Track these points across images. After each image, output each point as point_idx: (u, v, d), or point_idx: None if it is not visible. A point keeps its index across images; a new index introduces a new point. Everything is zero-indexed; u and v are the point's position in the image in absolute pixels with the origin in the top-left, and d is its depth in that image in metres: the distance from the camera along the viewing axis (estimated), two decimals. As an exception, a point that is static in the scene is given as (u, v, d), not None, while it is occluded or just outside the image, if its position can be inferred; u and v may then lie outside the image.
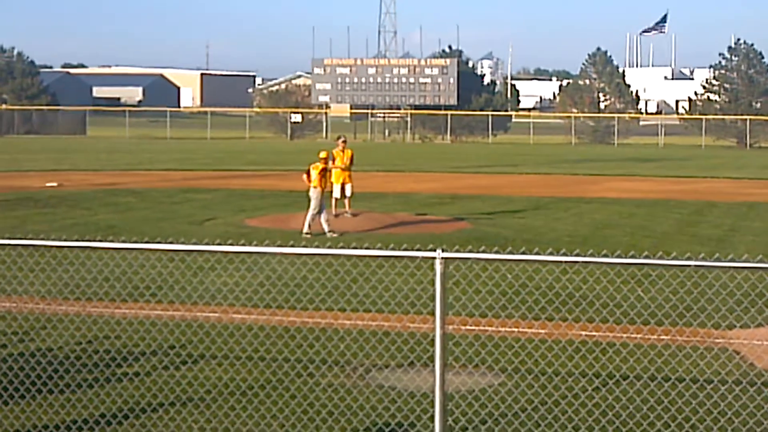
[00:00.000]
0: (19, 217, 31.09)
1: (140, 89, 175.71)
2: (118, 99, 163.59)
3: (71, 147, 79.84)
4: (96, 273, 18.45)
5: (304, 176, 28.45)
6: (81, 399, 12.11)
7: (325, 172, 28.35)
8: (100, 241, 10.76)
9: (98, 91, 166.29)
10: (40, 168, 53.99)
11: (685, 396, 12.01)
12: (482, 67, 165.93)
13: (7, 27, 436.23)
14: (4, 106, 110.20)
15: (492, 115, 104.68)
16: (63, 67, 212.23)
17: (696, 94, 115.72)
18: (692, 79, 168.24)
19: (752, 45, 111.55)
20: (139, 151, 74.57)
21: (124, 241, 10.63)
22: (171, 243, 10.45)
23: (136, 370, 13.41)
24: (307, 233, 27.54)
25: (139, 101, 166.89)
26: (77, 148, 78.89)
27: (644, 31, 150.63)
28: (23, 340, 14.91)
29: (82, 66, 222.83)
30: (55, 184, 42.94)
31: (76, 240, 11.09)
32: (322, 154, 28.93)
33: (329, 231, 27.71)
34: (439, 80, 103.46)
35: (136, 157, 66.29)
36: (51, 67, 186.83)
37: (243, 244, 10.16)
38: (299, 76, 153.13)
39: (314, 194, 27.94)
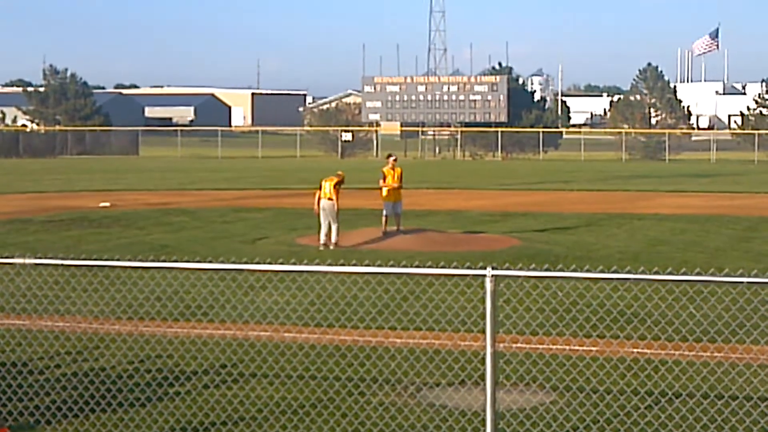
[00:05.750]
0: (73, 237, 31.36)
1: (192, 109, 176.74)
2: (170, 119, 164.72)
3: (124, 167, 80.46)
4: (148, 292, 18.57)
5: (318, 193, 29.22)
6: (134, 418, 12.19)
7: (339, 186, 29.14)
8: (153, 261, 10.84)
9: (150, 111, 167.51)
10: (94, 188, 54.43)
11: (739, 414, 11.92)
12: (532, 84, 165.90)
13: (61, 49, 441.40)
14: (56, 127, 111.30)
15: (542, 131, 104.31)
16: (115, 87, 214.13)
17: (748, 108, 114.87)
18: (744, 93, 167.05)
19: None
20: (191, 171, 74.99)
21: (176, 261, 10.70)
22: (222, 262, 10.51)
23: (188, 389, 13.48)
24: (335, 244, 28.59)
25: (191, 121, 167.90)
26: (130, 167, 79.49)
27: (699, 51, 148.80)
28: (77, 360, 15.03)
29: (135, 86, 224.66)
30: (108, 204, 43.26)
31: (129, 260, 11.19)
32: (339, 172, 30.03)
33: (324, 244, 28.68)
34: (489, 97, 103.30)
35: (188, 177, 66.67)
36: (104, 88, 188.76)
37: (294, 263, 10.20)
38: (349, 95, 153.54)
39: (328, 206, 28.72)
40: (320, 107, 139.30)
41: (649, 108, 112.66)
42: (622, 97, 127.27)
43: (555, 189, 56.47)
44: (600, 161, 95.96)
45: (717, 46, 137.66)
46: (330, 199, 28.75)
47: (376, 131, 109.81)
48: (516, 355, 14.78)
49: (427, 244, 29.19)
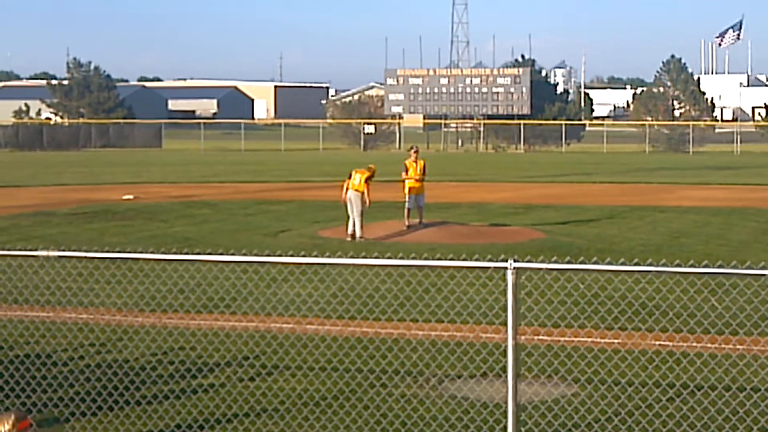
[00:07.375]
0: (96, 229, 31.48)
1: (215, 102, 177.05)
2: (193, 112, 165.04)
3: (147, 160, 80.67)
4: (171, 285, 18.64)
5: (347, 183, 29.33)
6: (157, 410, 12.26)
7: (370, 180, 29.24)
8: (176, 253, 10.89)
9: (173, 104, 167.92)
10: (117, 181, 54.60)
11: (761, 406, 11.91)
12: (555, 76, 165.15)
13: (84, 42, 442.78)
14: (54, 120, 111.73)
15: (565, 124, 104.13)
16: (139, 80, 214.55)
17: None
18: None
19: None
20: (214, 163, 75.16)
21: (199, 253, 10.75)
22: (245, 255, 10.56)
23: (211, 382, 13.54)
24: (360, 237, 28.75)
25: (214, 113, 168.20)
26: (153, 160, 79.69)
27: (719, 35, 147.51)
28: (100, 352, 15.12)
29: (158, 79, 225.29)
30: (131, 196, 43.40)
31: (153, 252, 11.23)
32: (371, 166, 30.18)
33: (351, 235, 28.98)
34: (512, 89, 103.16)
35: (210, 169, 66.81)
36: (127, 81, 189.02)
37: (316, 256, 10.25)
38: (372, 87, 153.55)
39: (354, 197, 28.81)
40: (343, 100, 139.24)
41: (673, 100, 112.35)
42: (645, 89, 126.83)
43: (577, 181, 56.36)
44: (623, 153, 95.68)
45: (739, 37, 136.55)
46: (357, 190, 28.77)
47: (399, 124, 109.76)
48: (537, 347, 14.80)
49: (449, 236, 29.19)
